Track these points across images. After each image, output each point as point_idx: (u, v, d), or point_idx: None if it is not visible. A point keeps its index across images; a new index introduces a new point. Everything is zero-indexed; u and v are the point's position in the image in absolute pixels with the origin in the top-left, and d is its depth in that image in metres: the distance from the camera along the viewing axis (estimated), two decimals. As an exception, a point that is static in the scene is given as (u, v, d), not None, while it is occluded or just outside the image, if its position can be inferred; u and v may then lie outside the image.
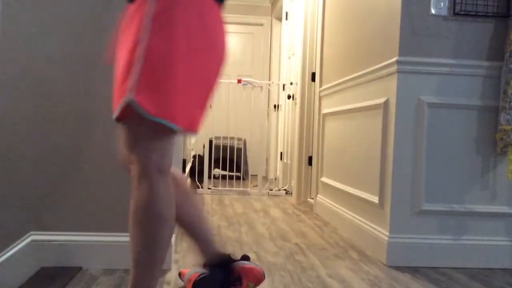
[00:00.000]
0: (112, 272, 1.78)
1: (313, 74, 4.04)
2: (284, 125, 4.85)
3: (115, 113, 1.08)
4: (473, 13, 2.07)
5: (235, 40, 6.39)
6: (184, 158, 3.10)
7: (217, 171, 5.36)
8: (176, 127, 1.07)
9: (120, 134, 1.18)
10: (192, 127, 1.13)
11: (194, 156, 5.23)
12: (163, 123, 1.04)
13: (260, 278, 1.66)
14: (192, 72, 1.08)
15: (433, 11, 2.07)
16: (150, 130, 1.08)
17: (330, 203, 3.10)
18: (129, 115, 1.07)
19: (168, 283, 1.70)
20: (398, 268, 2.04)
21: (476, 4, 2.07)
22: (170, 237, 1.15)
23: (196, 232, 1.41)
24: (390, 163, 2.13)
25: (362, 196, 2.47)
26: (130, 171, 1.15)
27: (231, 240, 2.46)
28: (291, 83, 4.55)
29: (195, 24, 1.07)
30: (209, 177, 4.72)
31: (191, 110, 1.11)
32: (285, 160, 4.81)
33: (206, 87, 1.15)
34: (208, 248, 1.43)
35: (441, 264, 2.09)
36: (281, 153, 5.05)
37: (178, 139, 2.10)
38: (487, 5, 2.08)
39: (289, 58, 4.95)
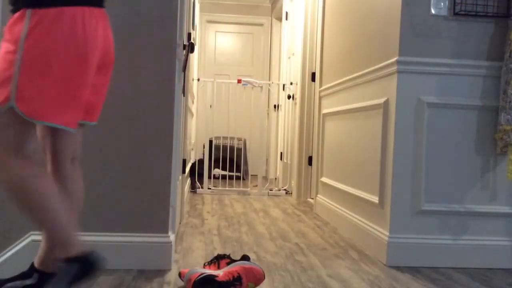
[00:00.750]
0: (112, 272, 1.78)
1: (313, 74, 4.04)
2: (284, 125, 4.85)
3: None
4: (473, 13, 2.07)
5: (235, 40, 6.39)
6: (184, 158, 3.10)
7: (217, 171, 5.36)
8: (65, 128, 1.23)
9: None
10: (69, 125, 1.25)
11: (196, 161, 5.21)
12: (48, 125, 1.20)
13: (260, 278, 1.66)
14: (63, 77, 1.19)
15: (433, 11, 2.07)
16: None
17: (330, 203, 3.10)
18: None
19: (168, 283, 1.70)
20: (398, 268, 2.04)
21: (476, 4, 2.07)
22: (59, 199, 1.24)
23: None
24: (390, 163, 2.13)
25: (362, 196, 2.47)
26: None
27: (231, 240, 2.46)
28: (291, 83, 4.56)
29: (66, 35, 1.18)
30: (209, 177, 4.72)
31: (66, 110, 1.22)
32: (285, 160, 4.81)
33: (78, 90, 1.24)
34: (53, 253, 1.39)
35: (441, 264, 2.09)
36: (281, 153, 5.05)
37: (178, 139, 2.10)
38: (487, 5, 2.08)
39: (289, 58, 4.95)
